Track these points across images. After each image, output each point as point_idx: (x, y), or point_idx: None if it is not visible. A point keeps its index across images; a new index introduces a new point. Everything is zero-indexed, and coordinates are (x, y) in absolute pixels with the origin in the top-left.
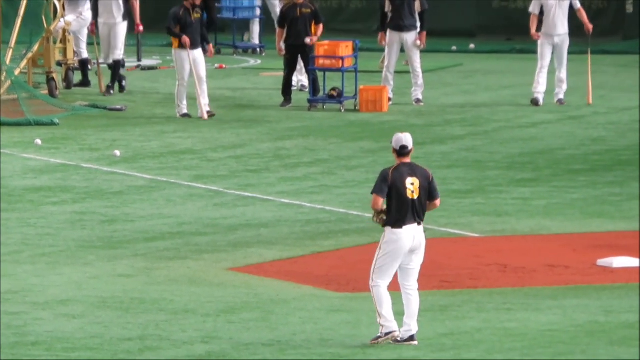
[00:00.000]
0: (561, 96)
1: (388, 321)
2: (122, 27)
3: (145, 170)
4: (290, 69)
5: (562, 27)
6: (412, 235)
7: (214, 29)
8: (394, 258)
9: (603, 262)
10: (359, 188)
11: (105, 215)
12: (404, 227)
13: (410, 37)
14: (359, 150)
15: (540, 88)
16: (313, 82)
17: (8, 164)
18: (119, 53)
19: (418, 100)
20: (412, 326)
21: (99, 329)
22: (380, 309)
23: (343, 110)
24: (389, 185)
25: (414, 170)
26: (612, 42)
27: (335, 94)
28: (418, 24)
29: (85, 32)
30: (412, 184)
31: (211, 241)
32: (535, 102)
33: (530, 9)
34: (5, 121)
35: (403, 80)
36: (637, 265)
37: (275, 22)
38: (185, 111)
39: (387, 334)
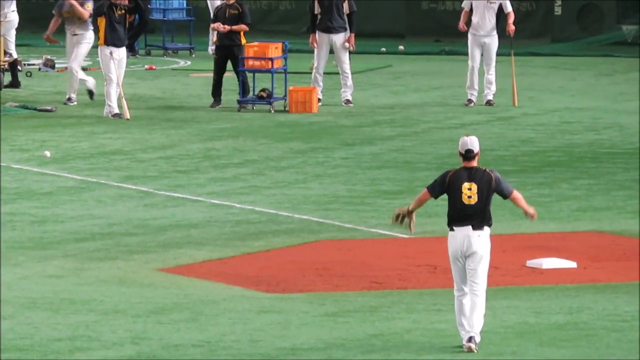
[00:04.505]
0: (490, 97)
1: (461, 332)
2: None
3: (75, 170)
4: (219, 70)
5: (489, 28)
6: (462, 239)
7: (145, 30)
8: (453, 262)
9: (533, 263)
10: (288, 189)
11: (35, 215)
12: (456, 229)
13: (339, 38)
14: (288, 151)
15: (473, 89)
16: (243, 83)
17: None
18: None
19: (347, 101)
20: (469, 327)
21: (28, 330)
22: (456, 318)
23: (273, 111)
24: (445, 188)
25: (474, 175)
26: (540, 44)
27: (264, 94)
28: (347, 26)
29: (13, 33)
30: (469, 188)
31: (141, 242)
32: (469, 102)
33: (462, 4)
34: None
35: (332, 81)
36: (567, 266)
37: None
38: (116, 111)
39: (463, 345)
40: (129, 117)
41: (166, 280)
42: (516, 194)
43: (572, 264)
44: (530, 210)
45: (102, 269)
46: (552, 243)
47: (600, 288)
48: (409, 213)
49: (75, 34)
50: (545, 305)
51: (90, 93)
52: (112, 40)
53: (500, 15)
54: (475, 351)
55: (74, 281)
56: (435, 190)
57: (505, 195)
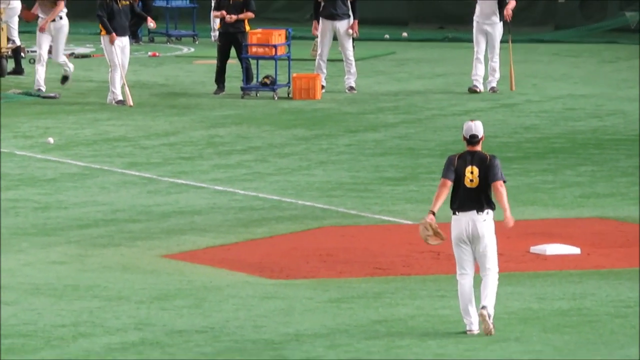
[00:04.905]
0: (494, 84)
1: (465, 318)
2: None
3: (78, 157)
4: (223, 57)
5: (490, 15)
6: (467, 222)
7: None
8: (457, 244)
9: (536, 249)
10: (292, 175)
11: (38, 202)
12: (459, 213)
13: (343, 25)
14: (292, 138)
15: (478, 75)
16: (246, 70)
17: None
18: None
19: (351, 88)
20: (481, 300)
21: (32, 316)
22: (459, 304)
23: (276, 98)
24: (454, 169)
25: (475, 158)
26: (544, 31)
27: (268, 81)
28: (350, 13)
29: (16, 20)
30: (472, 172)
31: (144, 228)
32: (474, 89)
33: None
34: None
35: (336, 68)
36: (570, 252)
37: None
38: (120, 97)
39: (466, 331)
40: (132, 104)
41: (170, 267)
42: (501, 185)
43: (575, 250)
44: (510, 219)
45: (106, 255)
46: (556, 229)
47: (603, 274)
48: (432, 215)
49: (52, 20)
50: (549, 291)
51: (65, 78)
52: (114, 29)
53: (504, 3)
54: (491, 322)
55: (77, 267)
56: (449, 173)
57: (490, 178)
